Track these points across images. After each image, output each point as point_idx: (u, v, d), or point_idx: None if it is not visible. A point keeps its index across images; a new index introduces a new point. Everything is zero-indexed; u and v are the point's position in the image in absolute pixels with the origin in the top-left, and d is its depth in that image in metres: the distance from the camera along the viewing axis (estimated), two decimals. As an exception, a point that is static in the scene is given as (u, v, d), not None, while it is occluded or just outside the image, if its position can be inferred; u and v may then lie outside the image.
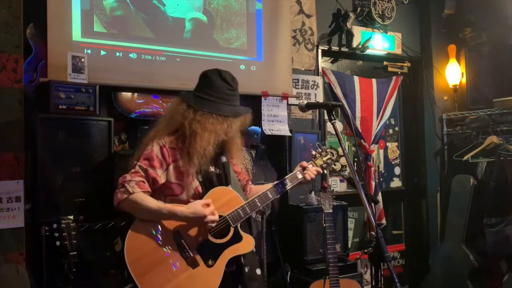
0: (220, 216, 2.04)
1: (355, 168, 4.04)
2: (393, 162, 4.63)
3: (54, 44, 2.69)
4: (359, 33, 4.10)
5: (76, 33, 2.83)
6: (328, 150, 2.41)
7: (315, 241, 3.28)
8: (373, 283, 2.13)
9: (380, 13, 4.17)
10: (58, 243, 2.22)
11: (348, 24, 3.89)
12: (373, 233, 1.75)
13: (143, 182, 1.98)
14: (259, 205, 2.14)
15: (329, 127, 4.00)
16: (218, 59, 3.33)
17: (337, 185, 4.13)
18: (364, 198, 1.81)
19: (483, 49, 4.35)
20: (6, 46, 2.40)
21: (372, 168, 4.12)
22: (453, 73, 4.49)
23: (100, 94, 2.79)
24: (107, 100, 2.93)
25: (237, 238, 2.07)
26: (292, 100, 3.62)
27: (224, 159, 2.17)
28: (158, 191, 2.05)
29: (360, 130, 4.09)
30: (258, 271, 2.21)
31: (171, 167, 2.04)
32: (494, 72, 4.22)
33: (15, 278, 2.20)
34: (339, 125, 4.17)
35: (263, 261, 2.82)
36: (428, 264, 4.29)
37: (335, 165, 2.42)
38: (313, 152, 2.39)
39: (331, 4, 3.95)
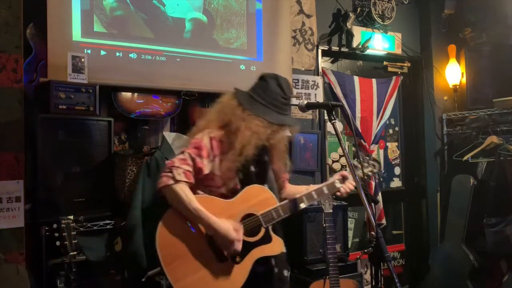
0: (252, 215, 2.04)
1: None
2: (393, 162, 4.63)
3: (54, 44, 2.69)
4: (359, 33, 4.10)
5: (76, 33, 2.83)
6: (370, 162, 2.40)
7: (315, 241, 3.28)
8: (373, 283, 2.14)
9: (380, 13, 4.17)
10: (58, 243, 2.22)
11: (348, 24, 3.89)
12: (373, 233, 1.75)
13: (190, 172, 1.97)
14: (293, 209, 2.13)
15: (329, 127, 4.00)
16: (218, 59, 3.33)
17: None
18: (364, 198, 1.81)
19: (483, 49, 4.34)
20: (6, 46, 2.40)
21: (372, 168, 4.11)
22: (453, 73, 4.49)
23: (100, 94, 2.79)
24: (107, 100, 2.94)
25: (267, 239, 2.06)
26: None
27: (266, 158, 2.17)
28: (199, 181, 2.04)
29: (360, 130, 4.09)
30: (286, 273, 2.21)
31: (217, 159, 2.04)
32: (494, 72, 4.22)
33: (15, 278, 2.20)
34: (339, 125, 4.16)
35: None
36: (428, 264, 4.28)
37: (376, 177, 2.39)
38: (355, 163, 2.33)
39: (331, 4, 3.95)
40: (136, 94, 3.02)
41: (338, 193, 2.25)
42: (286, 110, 2.17)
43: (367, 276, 3.91)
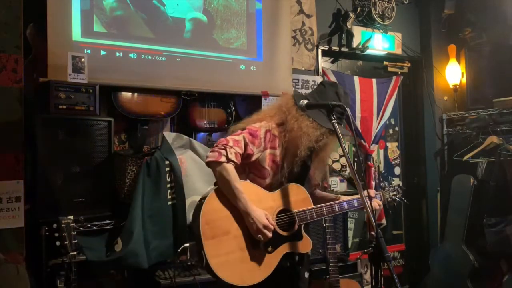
0: (289, 211, 2.11)
1: (355, 168, 4.04)
2: (393, 162, 4.63)
3: (54, 44, 2.69)
4: (359, 33, 4.10)
5: (76, 33, 2.83)
6: (395, 187, 2.54)
7: (315, 241, 3.27)
8: (373, 283, 2.13)
9: (380, 13, 4.17)
10: (58, 243, 2.22)
11: (348, 24, 3.89)
12: (373, 233, 1.75)
13: (240, 155, 2.04)
14: (325, 214, 2.20)
15: (329, 127, 4.00)
16: (218, 59, 3.33)
17: (337, 185, 4.13)
18: (365, 198, 1.81)
19: (483, 49, 4.35)
20: (6, 46, 2.40)
21: (372, 168, 4.12)
22: (453, 73, 4.49)
23: (100, 94, 2.78)
24: (107, 100, 2.93)
25: (298, 236, 2.13)
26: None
27: (309, 162, 2.23)
28: (245, 165, 2.12)
29: (360, 130, 4.09)
30: (306, 274, 2.29)
31: (267, 152, 2.11)
32: (494, 72, 4.22)
33: (15, 278, 2.20)
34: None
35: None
36: (428, 264, 4.28)
37: (395, 203, 2.58)
38: (383, 185, 2.53)
39: (331, 4, 3.95)
40: (136, 94, 3.02)
41: (364, 209, 2.30)
42: (339, 119, 2.21)
43: (367, 276, 3.91)
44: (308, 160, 2.22)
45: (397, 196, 2.54)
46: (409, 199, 4.63)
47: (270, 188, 2.13)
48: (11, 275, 2.20)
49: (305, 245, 2.16)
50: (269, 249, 2.05)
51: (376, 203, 2.35)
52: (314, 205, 2.18)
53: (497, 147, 4.01)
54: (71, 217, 2.28)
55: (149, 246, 2.71)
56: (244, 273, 1.98)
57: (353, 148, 4.32)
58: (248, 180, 2.12)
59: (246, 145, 2.05)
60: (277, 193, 2.12)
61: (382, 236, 1.74)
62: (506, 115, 4.08)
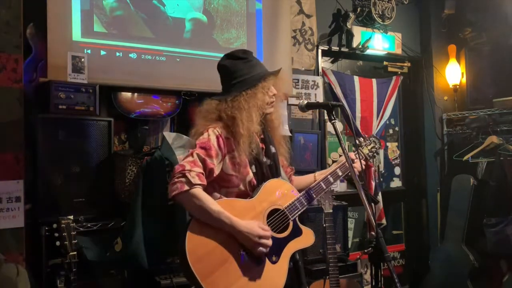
0: (277, 210, 1.99)
1: (355, 168, 4.03)
2: (393, 162, 4.63)
3: (54, 44, 2.69)
4: (359, 33, 4.10)
5: (76, 33, 2.83)
6: (371, 139, 2.36)
7: (315, 241, 3.27)
8: (373, 283, 2.14)
9: (380, 13, 4.16)
10: (58, 243, 2.21)
11: (348, 24, 3.89)
12: (373, 233, 1.75)
13: (202, 174, 1.87)
14: (314, 196, 2.07)
15: (329, 127, 4.00)
16: (218, 59, 3.32)
17: (337, 185, 4.12)
18: (364, 198, 1.81)
19: (483, 49, 4.35)
20: (6, 46, 2.40)
21: (372, 168, 4.11)
22: (453, 73, 4.49)
23: (100, 94, 2.79)
24: (107, 100, 2.93)
25: (297, 232, 2.00)
26: (292, 100, 3.62)
27: (273, 149, 2.11)
28: (213, 182, 1.96)
29: (360, 130, 4.09)
30: (300, 263, 2.16)
31: (227, 158, 1.96)
32: (494, 72, 4.22)
33: (15, 278, 2.19)
34: (339, 125, 4.16)
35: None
36: (428, 264, 4.28)
37: (377, 154, 2.37)
38: (358, 142, 2.32)
39: (331, 4, 3.95)
40: (136, 94, 3.02)
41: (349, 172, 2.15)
42: (257, 67, 2.15)
43: (367, 276, 3.91)
44: (271, 147, 2.10)
45: (376, 147, 2.34)
46: (409, 199, 4.69)
47: (249, 191, 1.99)
48: (11, 275, 2.19)
49: (307, 237, 2.02)
50: (273, 258, 1.92)
51: (358, 165, 2.14)
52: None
53: (497, 147, 4.01)
54: (71, 217, 2.28)
55: (149, 246, 2.71)
56: None
57: (353, 148, 4.32)
58: (222, 197, 1.96)
59: (203, 161, 1.87)
60: (258, 197, 1.96)
61: (382, 236, 1.74)
62: (506, 115, 4.08)
